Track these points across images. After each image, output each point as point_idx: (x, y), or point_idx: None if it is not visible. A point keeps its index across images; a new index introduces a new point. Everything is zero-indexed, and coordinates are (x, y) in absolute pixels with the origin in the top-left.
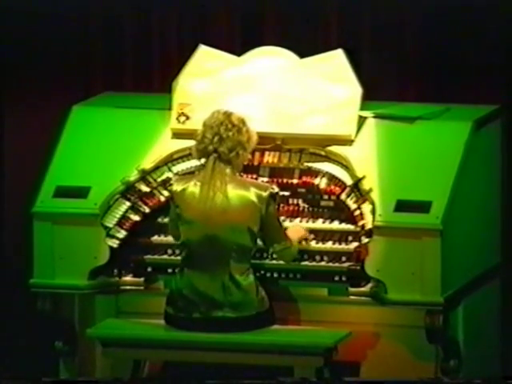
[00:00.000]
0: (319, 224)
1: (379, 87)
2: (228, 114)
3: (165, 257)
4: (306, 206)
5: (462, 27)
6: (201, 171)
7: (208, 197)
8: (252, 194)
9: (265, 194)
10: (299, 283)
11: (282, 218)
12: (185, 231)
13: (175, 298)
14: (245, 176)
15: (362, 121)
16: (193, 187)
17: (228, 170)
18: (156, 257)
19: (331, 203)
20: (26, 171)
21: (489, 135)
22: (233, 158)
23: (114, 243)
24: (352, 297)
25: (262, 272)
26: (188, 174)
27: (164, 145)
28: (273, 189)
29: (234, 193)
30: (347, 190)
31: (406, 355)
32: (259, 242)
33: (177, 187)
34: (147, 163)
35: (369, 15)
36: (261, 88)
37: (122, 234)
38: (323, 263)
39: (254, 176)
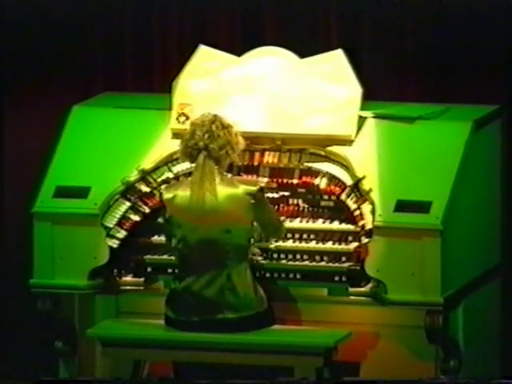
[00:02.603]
0: (319, 224)
1: (379, 87)
2: (219, 117)
3: (165, 257)
4: (306, 206)
5: (462, 27)
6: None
7: (198, 198)
8: (242, 192)
9: (254, 188)
10: (299, 283)
11: (281, 218)
12: (180, 236)
13: (174, 301)
14: (244, 176)
15: (361, 121)
16: (182, 192)
17: (216, 169)
18: (156, 257)
19: (331, 203)
20: (26, 171)
21: (489, 135)
22: (222, 156)
23: (114, 243)
24: (352, 297)
25: (262, 272)
26: (176, 181)
27: (164, 145)
28: (262, 182)
29: (225, 193)
30: (347, 190)
31: (406, 355)
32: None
33: (167, 195)
34: (147, 163)
35: (369, 15)
36: (261, 88)
37: (122, 234)
38: (323, 263)
39: (254, 176)
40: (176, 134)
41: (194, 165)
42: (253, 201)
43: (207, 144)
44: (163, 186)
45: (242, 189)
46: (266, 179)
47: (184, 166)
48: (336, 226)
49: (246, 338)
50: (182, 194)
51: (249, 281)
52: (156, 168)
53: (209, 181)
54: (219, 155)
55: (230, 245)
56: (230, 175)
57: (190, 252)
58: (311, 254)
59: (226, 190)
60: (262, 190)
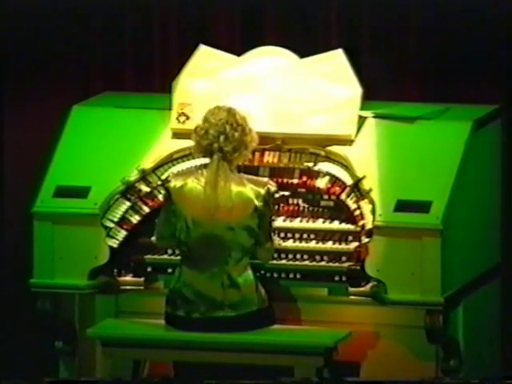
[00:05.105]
0: (319, 224)
1: (379, 87)
2: (233, 113)
3: (165, 257)
4: (306, 205)
5: (462, 27)
6: (199, 169)
7: (211, 197)
8: (250, 191)
9: (263, 190)
10: (299, 283)
11: (282, 217)
12: (183, 229)
13: (175, 297)
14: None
15: (362, 121)
16: (191, 184)
17: (229, 169)
18: (156, 257)
19: (331, 203)
20: (26, 171)
21: (489, 135)
22: (236, 157)
23: (114, 243)
24: (352, 297)
25: (262, 272)
26: (185, 171)
27: (164, 145)
28: (271, 185)
29: (233, 191)
30: (347, 189)
31: (406, 355)
32: None
33: (175, 183)
34: (147, 163)
35: (369, 15)
36: (261, 88)
37: (122, 233)
38: (323, 263)
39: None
40: (176, 134)
41: (195, 164)
42: (258, 202)
43: (222, 147)
44: (172, 173)
45: (249, 188)
46: (266, 179)
47: (184, 165)
48: (336, 225)
49: (246, 337)
50: (191, 185)
51: (250, 279)
52: (156, 168)
53: (223, 181)
54: (233, 157)
55: (232, 242)
56: (239, 174)
57: (191, 246)
58: (311, 254)
59: (235, 188)
60: (269, 192)
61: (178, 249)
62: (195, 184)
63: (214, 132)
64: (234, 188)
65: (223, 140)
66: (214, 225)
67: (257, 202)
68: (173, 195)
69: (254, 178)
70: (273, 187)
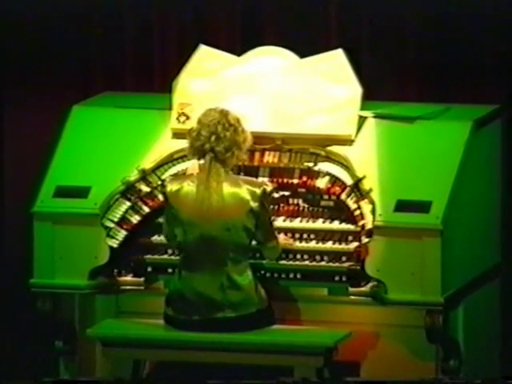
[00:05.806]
0: (319, 224)
1: (379, 87)
2: (225, 113)
3: (165, 257)
4: (306, 205)
5: (462, 27)
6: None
7: (204, 197)
8: (245, 192)
9: (258, 190)
10: (299, 283)
11: (282, 217)
12: (180, 232)
13: (175, 299)
14: (243, 175)
15: (362, 121)
16: (187, 187)
17: (222, 170)
18: (156, 257)
19: (331, 203)
20: (26, 171)
21: (489, 135)
22: (228, 157)
23: (114, 243)
24: (352, 297)
25: (262, 272)
26: (181, 175)
27: (164, 145)
28: (267, 185)
29: (228, 191)
30: (347, 189)
31: (406, 355)
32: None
33: (171, 188)
34: (147, 163)
35: (369, 15)
36: (261, 88)
37: (122, 233)
38: (323, 263)
39: (254, 176)
40: (176, 134)
41: (196, 163)
42: (254, 202)
43: (213, 147)
44: (168, 178)
45: (245, 189)
46: (266, 179)
47: (184, 165)
48: (336, 225)
49: (246, 337)
50: (187, 188)
51: (249, 280)
52: (156, 168)
53: (215, 181)
54: (225, 157)
55: (230, 243)
56: (235, 175)
57: (190, 248)
58: (311, 254)
59: (230, 189)
60: (265, 192)
61: (177, 251)
62: (191, 187)
63: (206, 133)
64: (229, 188)
65: (214, 140)
66: (210, 226)
67: (252, 203)
68: (169, 199)
69: (251, 179)
70: (269, 187)
